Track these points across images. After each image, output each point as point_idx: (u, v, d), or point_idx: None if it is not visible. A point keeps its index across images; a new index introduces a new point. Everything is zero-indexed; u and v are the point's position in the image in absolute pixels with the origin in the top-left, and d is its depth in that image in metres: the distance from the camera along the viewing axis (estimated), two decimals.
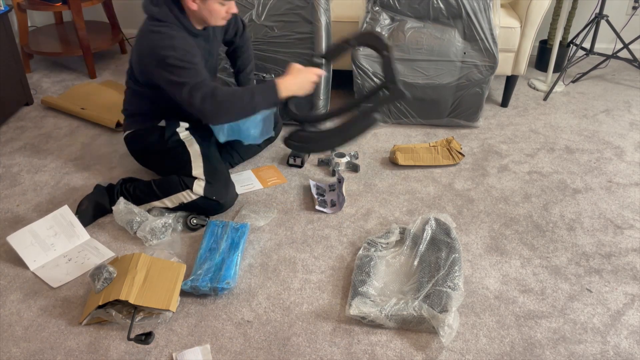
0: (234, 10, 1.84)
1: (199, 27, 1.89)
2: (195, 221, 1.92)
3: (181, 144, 2.02)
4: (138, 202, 1.98)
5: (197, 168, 1.96)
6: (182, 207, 1.95)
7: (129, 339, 1.50)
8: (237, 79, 2.29)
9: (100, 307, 1.56)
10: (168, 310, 1.57)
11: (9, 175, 2.26)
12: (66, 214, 1.90)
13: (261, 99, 1.77)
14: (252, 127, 2.02)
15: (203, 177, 1.93)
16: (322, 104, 2.50)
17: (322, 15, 2.31)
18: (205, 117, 1.76)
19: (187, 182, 1.92)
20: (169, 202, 1.95)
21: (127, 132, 2.10)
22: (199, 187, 1.91)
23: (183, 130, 2.06)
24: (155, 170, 2.18)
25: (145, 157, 2.16)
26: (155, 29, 1.79)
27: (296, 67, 1.84)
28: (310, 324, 1.59)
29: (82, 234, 1.89)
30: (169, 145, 2.03)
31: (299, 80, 1.82)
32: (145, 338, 1.49)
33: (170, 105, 1.99)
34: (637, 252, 1.88)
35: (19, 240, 1.81)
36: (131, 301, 1.52)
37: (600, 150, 2.48)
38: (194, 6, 1.78)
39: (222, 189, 1.95)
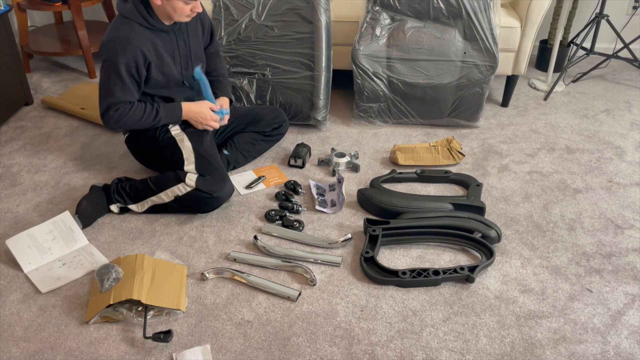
0: (199, 9, 1.90)
1: (167, 23, 1.93)
2: None
3: (173, 141, 2.04)
4: (135, 199, 1.99)
5: (190, 164, 1.98)
6: (177, 200, 1.95)
7: (145, 337, 1.51)
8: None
9: (108, 306, 1.57)
10: (179, 309, 1.59)
11: (9, 175, 2.26)
12: (66, 220, 1.90)
13: (165, 119, 2.00)
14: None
15: (195, 172, 1.95)
16: (322, 104, 2.50)
17: (322, 15, 2.31)
18: (107, 127, 2.01)
19: (181, 175, 1.94)
20: (164, 196, 1.96)
21: (126, 133, 2.14)
22: (191, 180, 1.92)
23: (175, 127, 2.08)
24: (154, 169, 2.20)
25: (144, 156, 2.18)
26: (117, 25, 1.87)
27: (205, 105, 2.06)
28: (310, 324, 1.59)
29: (80, 238, 1.88)
30: (162, 142, 2.04)
31: (198, 113, 2.05)
32: (165, 336, 1.50)
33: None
34: (638, 252, 1.88)
35: (16, 243, 1.81)
36: (143, 300, 1.54)
37: (600, 150, 2.47)
38: (157, 1, 1.83)
39: (215, 182, 1.95)
